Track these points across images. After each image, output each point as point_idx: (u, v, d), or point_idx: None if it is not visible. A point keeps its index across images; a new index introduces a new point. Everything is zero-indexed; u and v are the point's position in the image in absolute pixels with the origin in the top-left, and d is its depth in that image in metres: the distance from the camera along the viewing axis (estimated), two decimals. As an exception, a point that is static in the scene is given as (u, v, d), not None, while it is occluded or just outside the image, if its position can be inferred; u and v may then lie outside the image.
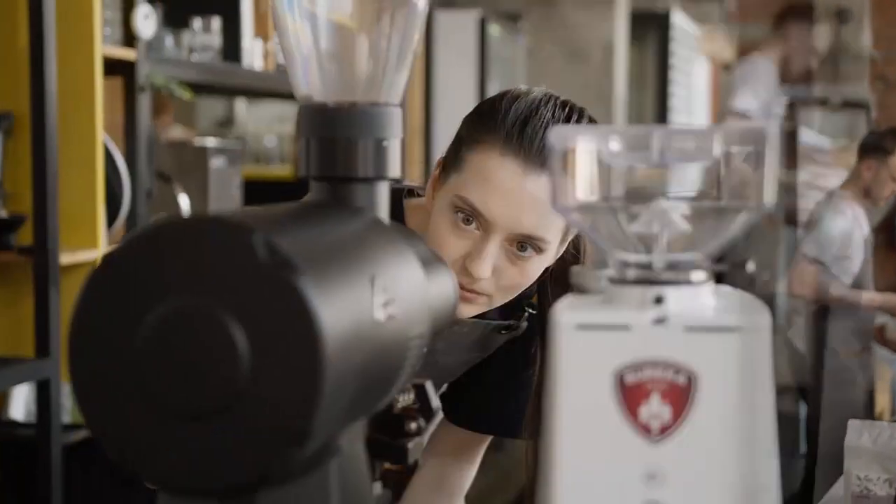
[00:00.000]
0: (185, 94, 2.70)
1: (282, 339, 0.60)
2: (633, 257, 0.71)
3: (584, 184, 0.71)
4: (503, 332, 1.40)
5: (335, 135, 0.79)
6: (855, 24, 9.40)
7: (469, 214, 1.23)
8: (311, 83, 0.81)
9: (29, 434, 2.40)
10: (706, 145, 0.69)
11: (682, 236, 0.71)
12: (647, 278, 0.69)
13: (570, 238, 1.31)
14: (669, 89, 7.17)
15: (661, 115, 7.17)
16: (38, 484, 2.32)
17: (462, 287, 1.23)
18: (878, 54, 8.71)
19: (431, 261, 0.85)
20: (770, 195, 0.68)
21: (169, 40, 2.85)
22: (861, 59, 9.55)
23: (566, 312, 0.68)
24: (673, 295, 0.68)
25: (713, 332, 0.67)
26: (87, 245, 2.46)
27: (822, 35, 4.33)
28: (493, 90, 5.44)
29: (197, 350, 0.61)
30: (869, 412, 3.86)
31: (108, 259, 0.62)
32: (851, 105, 8.81)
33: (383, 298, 0.70)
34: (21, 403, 2.52)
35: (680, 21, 7.29)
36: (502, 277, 1.24)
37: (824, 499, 1.96)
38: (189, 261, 0.61)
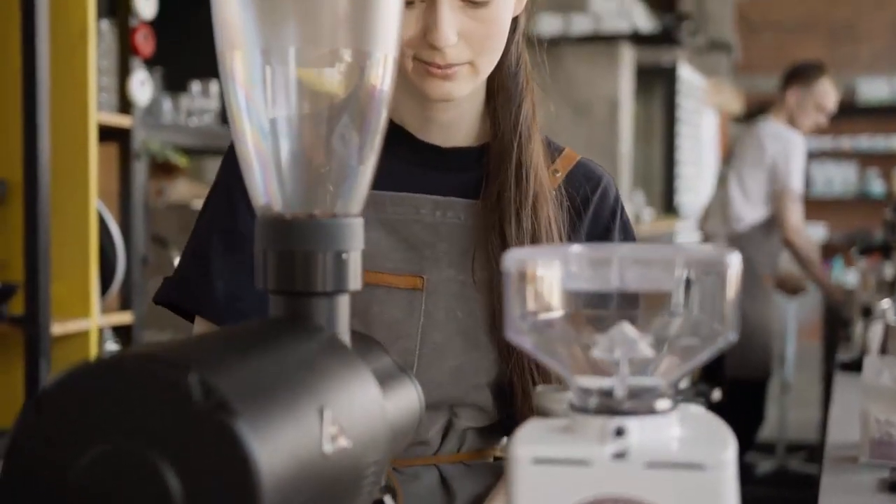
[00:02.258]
0: (181, 161, 2.69)
1: (218, 485, 0.57)
2: (594, 383, 0.68)
3: (540, 307, 0.68)
4: None
5: (293, 247, 0.77)
6: None
7: None
8: (269, 193, 0.79)
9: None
10: (667, 271, 0.66)
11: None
12: (609, 407, 0.67)
13: None
14: (676, 142, 7.16)
15: (668, 167, 7.16)
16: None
17: (437, 65, 1.14)
18: None
19: (392, 374, 0.82)
20: (733, 325, 0.65)
21: (167, 104, 2.85)
22: (726, 0, 9.58)
23: (524, 445, 0.66)
24: (635, 426, 0.65)
25: (676, 468, 0.64)
26: (80, 314, 2.44)
27: (829, 92, 4.36)
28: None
29: (130, 495, 0.58)
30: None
31: (39, 399, 0.60)
32: (717, 46, 8.91)
33: (333, 429, 0.67)
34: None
35: (686, 74, 7.29)
36: (471, 37, 1.14)
37: (835, 445, 1.80)
38: (122, 401, 0.59)
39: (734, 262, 0.65)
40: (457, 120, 1.26)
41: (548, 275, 0.68)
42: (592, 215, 1.27)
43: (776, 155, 4.24)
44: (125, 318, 2.60)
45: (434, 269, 1.20)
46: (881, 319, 2.85)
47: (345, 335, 0.77)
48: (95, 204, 2.45)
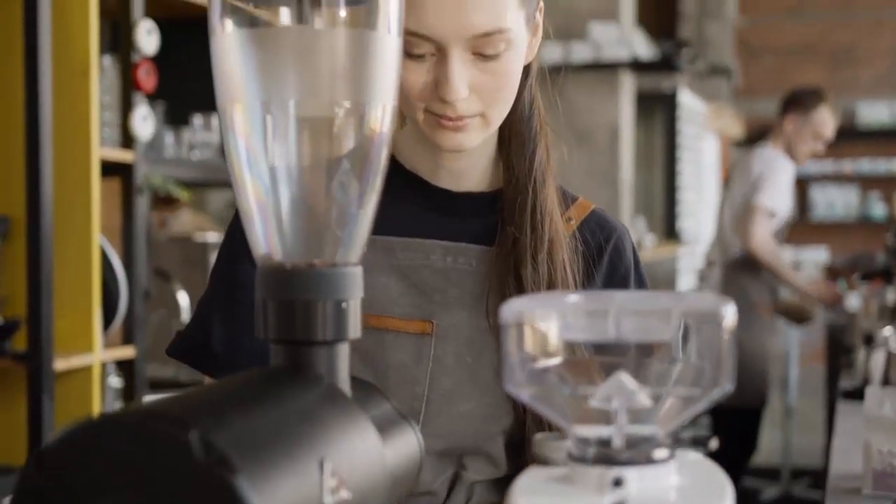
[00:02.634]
0: (183, 195, 2.71)
1: (219, 541, 0.58)
2: (591, 432, 0.69)
3: (538, 357, 0.69)
4: None
5: (293, 297, 0.77)
6: None
7: (415, 43, 1.11)
8: (269, 243, 0.79)
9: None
10: (663, 321, 0.67)
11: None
12: (607, 457, 0.67)
13: (538, 17, 1.21)
14: (677, 167, 7.18)
15: (670, 192, 7.17)
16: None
17: (448, 118, 1.14)
18: (744, 21, 8.68)
19: (393, 421, 0.82)
20: (729, 374, 0.66)
21: (169, 137, 2.87)
22: (726, 26, 9.61)
23: (523, 495, 0.66)
24: (633, 476, 0.66)
25: (674, 519, 0.64)
26: (83, 349, 2.44)
27: (827, 120, 4.36)
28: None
29: (131, 552, 0.58)
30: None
31: (41, 455, 0.60)
32: (717, 71, 8.90)
33: (333, 482, 0.67)
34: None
35: (687, 99, 7.32)
36: (483, 90, 1.13)
37: (838, 475, 1.78)
38: (124, 458, 0.59)
39: (730, 313, 0.66)
40: (469, 167, 1.25)
41: (545, 325, 0.68)
42: (608, 267, 1.26)
43: (758, 175, 4.24)
44: (128, 352, 2.60)
45: (444, 314, 1.20)
46: (883, 347, 2.85)
47: (345, 383, 0.78)
48: (98, 239, 2.46)
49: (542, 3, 1.24)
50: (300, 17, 0.89)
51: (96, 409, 2.39)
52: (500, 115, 1.18)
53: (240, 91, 0.78)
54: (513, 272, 1.19)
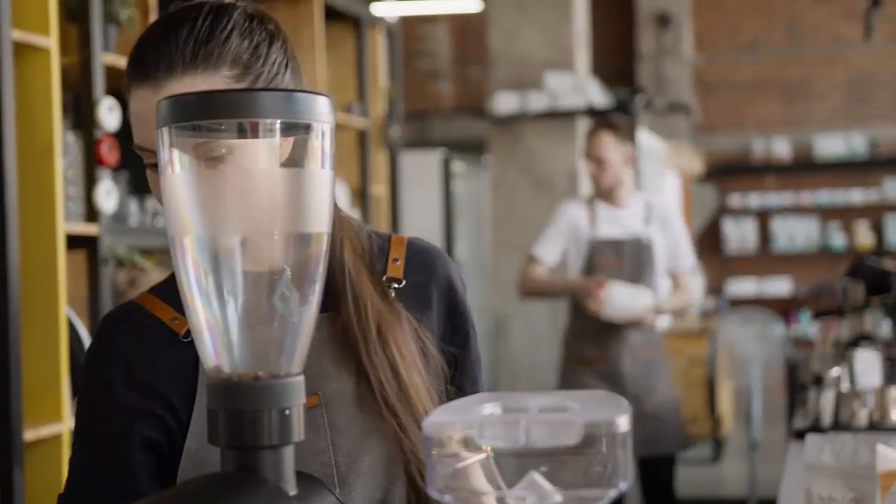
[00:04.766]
0: (147, 264, 2.78)
1: None
2: (508, 528, 0.77)
3: (457, 463, 0.77)
4: None
5: (241, 407, 0.86)
6: (676, 28, 9.68)
7: (146, 155, 1.18)
8: (218, 357, 0.87)
9: None
10: (568, 429, 0.75)
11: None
12: (522, 551, 0.75)
13: None
14: (638, 207, 7.29)
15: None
16: None
17: None
18: (700, 58, 8.85)
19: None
20: (627, 476, 0.75)
21: (133, 206, 2.94)
22: (683, 63, 9.79)
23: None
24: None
25: None
26: (52, 419, 2.50)
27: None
28: (458, 223, 5.57)
29: None
30: None
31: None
32: (676, 108, 8.94)
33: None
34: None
35: (645, 140, 7.46)
36: None
37: None
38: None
39: (623, 423, 0.74)
40: None
41: (463, 435, 0.77)
42: (446, 296, 1.33)
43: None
44: (97, 417, 2.65)
45: (326, 384, 1.26)
46: (833, 387, 2.94)
47: (290, 483, 0.86)
48: (65, 310, 2.53)
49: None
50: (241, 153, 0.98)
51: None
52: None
53: (188, 224, 0.86)
54: (354, 357, 1.26)
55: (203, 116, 0.86)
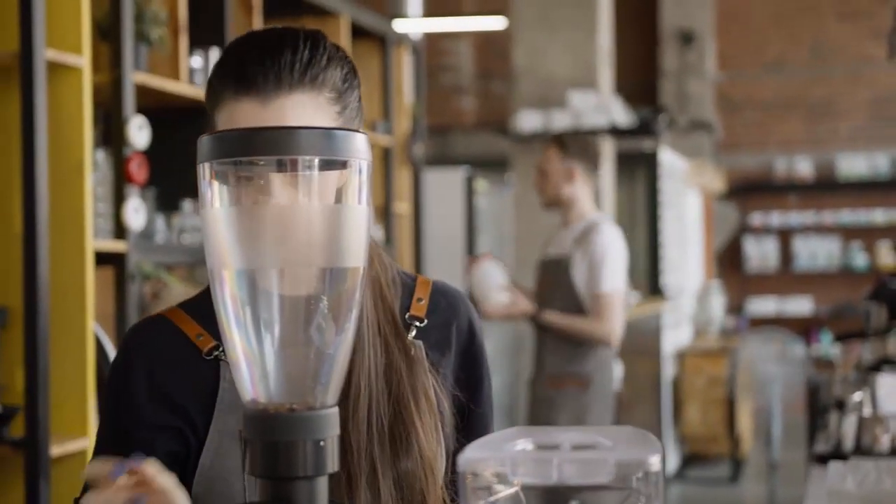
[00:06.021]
0: (173, 281, 2.81)
1: None
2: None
3: (491, 497, 0.78)
4: None
5: (276, 438, 0.87)
6: (699, 46, 9.65)
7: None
8: (255, 389, 0.89)
9: None
10: (600, 468, 0.77)
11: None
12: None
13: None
14: (659, 225, 7.30)
15: (653, 250, 7.28)
16: None
17: None
18: (724, 76, 8.83)
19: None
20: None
21: (160, 223, 2.97)
22: (707, 82, 9.75)
23: None
24: None
25: None
26: (78, 434, 2.53)
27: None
28: (481, 241, 5.58)
29: None
30: None
31: None
32: (699, 126, 8.87)
33: None
34: None
35: (668, 158, 7.46)
36: None
37: None
38: None
39: (655, 462, 0.76)
40: None
41: (496, 471, 0.78)
42: (466, 337, 1.35)
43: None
44: (121, 432, 2.68)
45: None
46: (855, 413, 2.93)
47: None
48: (92, 326, 2.55)
49: None
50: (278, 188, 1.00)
51: (92, 492, 2.47)
52: None
53: (228, 257, 0.88)
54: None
55: (244, 153, 0.88)
